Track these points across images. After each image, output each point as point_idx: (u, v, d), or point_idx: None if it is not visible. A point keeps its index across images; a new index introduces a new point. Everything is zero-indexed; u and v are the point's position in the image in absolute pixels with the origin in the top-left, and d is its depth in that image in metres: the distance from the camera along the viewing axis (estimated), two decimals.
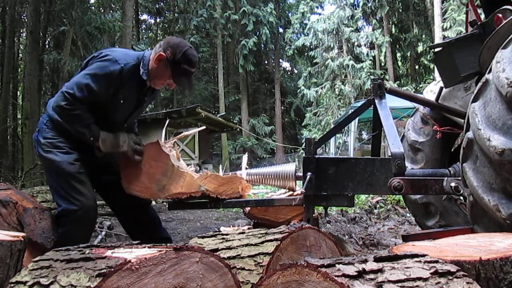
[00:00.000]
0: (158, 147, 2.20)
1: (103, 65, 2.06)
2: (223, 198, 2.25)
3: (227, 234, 1.54)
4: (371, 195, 5.43)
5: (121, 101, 2.19)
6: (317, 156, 2.20)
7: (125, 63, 2.09)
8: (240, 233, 1.53)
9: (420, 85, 18.67)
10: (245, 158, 2.59)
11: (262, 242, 1.31)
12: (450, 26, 15.31)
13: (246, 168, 2.51)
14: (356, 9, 21.19)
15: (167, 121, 3.11)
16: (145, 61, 2.16)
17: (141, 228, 2.37)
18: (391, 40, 21.18)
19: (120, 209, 2.41)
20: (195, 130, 2.70)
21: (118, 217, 2.49)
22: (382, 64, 23.21)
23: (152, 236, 2.36)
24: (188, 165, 2.37)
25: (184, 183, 2.17)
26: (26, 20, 12.26)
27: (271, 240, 1.30)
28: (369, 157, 2.48)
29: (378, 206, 5.25)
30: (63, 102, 2.02)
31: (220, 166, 2.48)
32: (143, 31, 27.01)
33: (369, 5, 20.55)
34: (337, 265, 0.86)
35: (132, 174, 2.20)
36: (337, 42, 20.63)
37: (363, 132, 18.19)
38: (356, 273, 0.82)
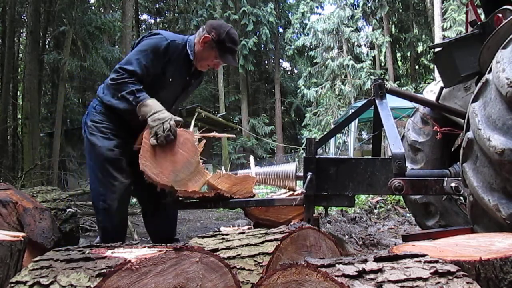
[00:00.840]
0: (191, 137, 2.16)
1: (151, 40, 2.21)
2: (237, 198, 2.26)
3: (227, 234, 1.54)
4: (371, 195, 5.43)
5: (170, 79, 2.28)
6: (317, 156, 2.20)
7: (172, 39, 2.22)
8: (240, 233, 1.53)
9: (420, 85, 18.67)
10: (252, 159, 2.59)
11: (262, 242, 1.31)
12: (450, 26, 15.32)
13: (256, 165, 2.51)
14: (356, 9, 21.19)
15: (197, 114, 3.16)
16: (190, 43, 2.29)
17: (159, 224, 2.49)
18: (391, 40, 21.18)
19: (146, 200, 2.49)
20: (226, 135, 2.75)
21: (142, 207, 2.59)
22: (382, 64, 23.21)
23: (166, 233, 2.50)
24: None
25: (202, 183, 2.16)
26: (26, 20, 12.25)
27: (271, 240, 1.29)
28: (370, 157, 2.48)
29: (378, 206, 5.25)
30: (114, 74, 2.14)
31: (223, 167, 2.48)
32: (143, 31, 26.96)
33: (369, 5, 20.55)
34: (337, 265, 0.86)
35: (153, 154, 2.07)
36: (337, 42, 20.63)
37: (363, 132, 18.19)
38: (356, 273, 0.82)
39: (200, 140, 2.25)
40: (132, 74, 2.11)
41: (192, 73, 2.39)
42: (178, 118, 2.14)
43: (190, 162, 2.14)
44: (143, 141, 2.08)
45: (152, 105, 2.10)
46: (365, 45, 21.54)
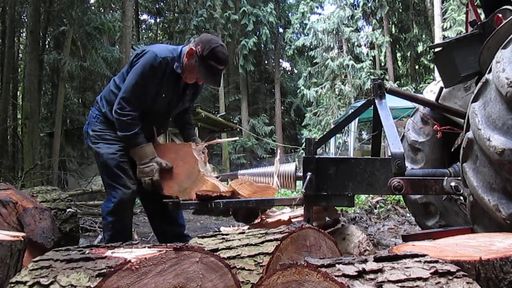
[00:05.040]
0: (189, 150, 2.30)
1: (145, 60, 2.22)
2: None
3: (227, 234, 1.54)
4: (371, 195, 5.43)
5: (163, 95, 2.32)
6: (317, 156, 2.20)
7: (163, 56, 2.23)
8: (240, 233, 1.53)
9: (420, 85, 18.65)
10: (277, 157, 2.54)
11: (262, 242, 1.31)
12: (450, 26, 15.30)
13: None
14: (356, 9, 21.17)
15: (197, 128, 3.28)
16: (181, 56, 2.28)
17: (161, 220, 2.59)
18: (391, 40, 21.16)
19: (147, 199, 2.60)
20: (229, 139, 2.94)
21: (144, 206, 2.75)
22: (382, 64, 23.19)
23: (168, 228, 2.60)
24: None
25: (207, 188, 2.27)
26: (26, 20, 12.23)
27: (271, 240, 1.29)
28: (369, 157, 2.47)
29: (378, 206, 5.24)
30: (117, 107, 2.23)
31: (240, 175, 2.57)
32: (143, 31, 26.97)
33: (369, 5, 20.53)
34: (337, 265, 0.86)
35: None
36: (337, 42, 20.61)
37: (363, 132, 18.19)
38: (356, 273, 0.82)
39: (203, 151, 2.38)
40: (133, 103, 2.23)
41: (182, 85, 2.39)
42: (164, 164, 2.29)
43: (192, 172, 2.29)
44: None
45: (140, 154, 2.26)
46: (365, 45, 21.52)
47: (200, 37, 2.29)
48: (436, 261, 0.91)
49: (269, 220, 2.34)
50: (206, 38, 2.28)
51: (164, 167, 2.29)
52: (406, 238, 2.11)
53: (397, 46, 23.41)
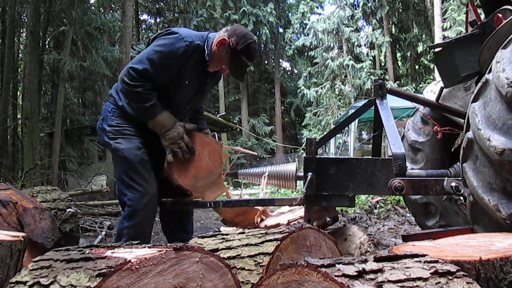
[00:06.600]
0: (219, 148, 2.20)
1: (169, 41, 2.06)
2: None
3: (227, 234, 1.54)
4: (371, 195, 5.43)
5: (186, 82, 2.17)
6: (318, 157, 2.20)
7: (190, 40, 2.09)
8: (240, 233, 1.53)
9: (420, 85, 18.67)
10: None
11: (262, 242, 1.31)
12: (450, 26, 15.31)
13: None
14: (356, 9, 21.19)
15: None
16: (209, 42, 2.16)
17: (167, 223, 2.44)
18: (391, 40, 21.18)
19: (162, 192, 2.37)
20: (249, 152, 2.88)
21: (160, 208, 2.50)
22: (382, 64, 23.21)
23: (177, 225, 2.43)
24: None
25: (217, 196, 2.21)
26: (26, 20, 12.23)
27: (271, 240, 1.29)
28: (370, 157, 2.47)
29: (378, 206, 5.24)
30: (126, 77, 2.03)
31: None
32: (143, 31, 26.96)
33: (369, 5, 20.54)
34: (337, 265, 0.86)
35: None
36: (337, 42, 20.63)
37: (363, 132, 18.20)
38: (356, 273, 0.81)
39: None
40: (143, 76, 2.02)
41: (207, 72, 2.27)
42: (191, 126, 2.13)
43: (213, 172, 2.20)
44: None
45: (162, 122, 2.07)
46: (365, 45, 21.54)
47: (234, 29, 2.17)
48: (436, 261, 0.91)
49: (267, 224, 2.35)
50: (241, 31, 2.16)
51: (188, 130, 2.10)
52: (406, 238, 2.11)
53: (397, 46, 23.42)
